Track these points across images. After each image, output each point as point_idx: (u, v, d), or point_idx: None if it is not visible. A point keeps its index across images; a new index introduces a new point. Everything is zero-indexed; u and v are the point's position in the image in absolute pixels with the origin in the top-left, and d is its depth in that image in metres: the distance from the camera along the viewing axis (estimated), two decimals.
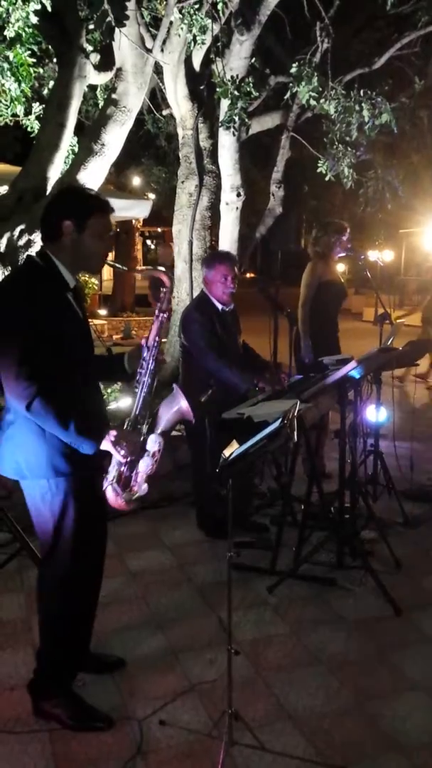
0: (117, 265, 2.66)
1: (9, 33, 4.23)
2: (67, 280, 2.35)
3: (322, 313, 4.83)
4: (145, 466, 2.44)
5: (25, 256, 2.53)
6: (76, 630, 2.54)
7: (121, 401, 5.57)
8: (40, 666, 2.51)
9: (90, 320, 2.65)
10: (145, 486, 2.46)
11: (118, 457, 2.32)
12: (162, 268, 2.67)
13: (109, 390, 5.74)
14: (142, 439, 2.44)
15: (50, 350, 2.22)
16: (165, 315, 2.54)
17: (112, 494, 2.42)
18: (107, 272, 18.04)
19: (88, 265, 2.46)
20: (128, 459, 2.36)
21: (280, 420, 2.37)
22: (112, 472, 2.40)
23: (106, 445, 2.26)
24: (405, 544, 3.99)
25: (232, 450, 2.34)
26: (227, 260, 3.95)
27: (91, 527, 2.48)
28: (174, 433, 4.79)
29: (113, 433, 2.27)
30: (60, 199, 2.41)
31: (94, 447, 2.25)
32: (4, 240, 4.60)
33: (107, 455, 2.37)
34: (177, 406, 2.56)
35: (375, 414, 4.76)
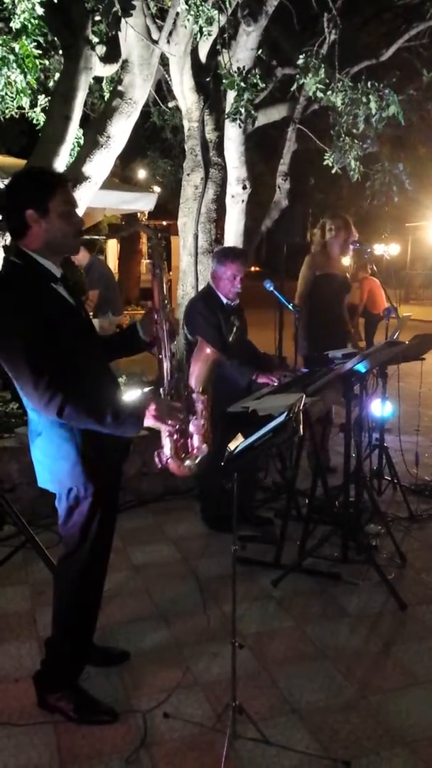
0: (94, 236, 2.50)
1: (15, 24, 4.21)
2: (52, 271, 2.27)
3: (323, 306, 4.79)
4: (195, 427, 2.36)
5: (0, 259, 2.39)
6: (88, 624, 2.55)
7: (127, 395, 5.57)
8: (50, 657, 2.51)
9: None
10: (204, 446, 2.38)
11: (166, 428, 2.26)
12: (144, 224, 2.57)
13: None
14: (183, 402, 2.35)
15: (57, 350, 2.15)
16: (159, 270, 2.41)
17: (174, 466, 2.35)
18: (112, 266, 18.02)
19: (65, 247, 2.33)
20: (177, 427, 2.29)
21: (285, 414, 2.36)
22: (167, 444, 2.33)
23: (149, 421, 2.20)
24: (410, 539, 3.99)
25: (238, 443, 2.33)
26: (240, 259, 3.91)
27: (109, 529, 2.52)
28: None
29: (153, 407, 2.20)
30: (14, 190, 2.26)
31: (137, 428, 2.20)
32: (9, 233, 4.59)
33: (129, 446, 2.36)
34: (203, 355, 2.45)
35: (380, 408, 4.75)
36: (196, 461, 2.38)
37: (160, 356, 2.37)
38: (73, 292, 2.37)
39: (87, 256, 7.47)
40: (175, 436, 2.33)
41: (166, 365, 2.36)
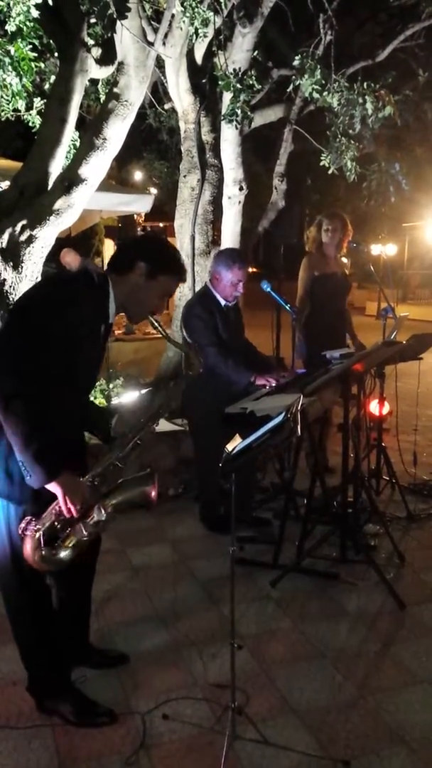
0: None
1: (10, 27, 4.22)
2: (110, 312, 2.33)
3: (322, 306, 4.79)
4: (80, 531, 2.19)
5: (83, 263, 2.41)
6: (52, 634, 2.45)
7: (123, 397, 5.57)
8: (27, 670, 2.50)
9: None
10: (67, 553, 2.19)
11: (60, 506, 2.13)
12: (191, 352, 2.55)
13: (110, 385, 5.74)
14: (93, 501, 2.21)
15: (57, 365, 2.13)
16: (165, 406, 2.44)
17: (30, 542, 2.15)
18: None
19: (134, 311, 2.42)
20: (70, 515, 2.15)
21: (283, 414, 2.36)
22: (46, 520, 2.16)
23: (56, 487, 2.10)
24: (408, 538, 4.00)
25: (235, 444, 2.34)
26: (246, 266, 3.98)
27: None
28: (177, 427, 4.81)
29: (68, 476, 2.11)
30: (147, 242, 2.48)
31: (41, 481, 2.08)
32: (6, 235, 4.58)
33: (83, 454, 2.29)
34: (144, 488, 2.33)
35: (378, 408, 4.75)
36: (53, 557, 2.17)
37: (112, 452, 2.31)
38: (107, 335, 2.40)
39: (77, 260, 7.42)
40: (57, 522, 2.17)
41: (111, 460, 2.29)
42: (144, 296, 2.35)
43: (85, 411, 2.46)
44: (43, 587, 2.42)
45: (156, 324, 2.46)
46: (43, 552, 2.15)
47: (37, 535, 2.14)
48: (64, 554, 2.19)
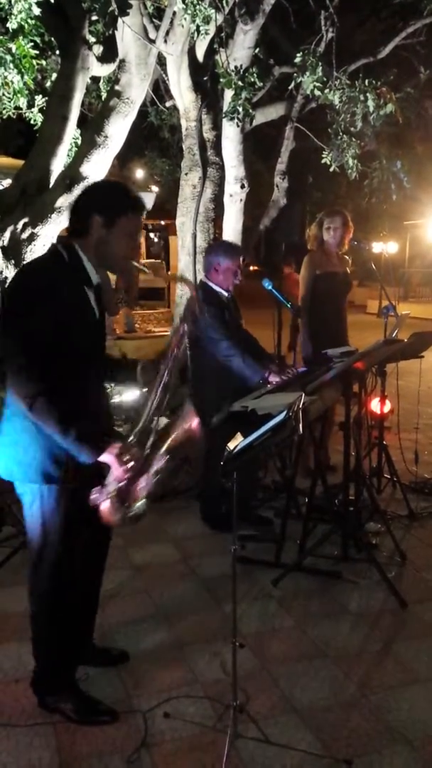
0: (143, 267, 2.53)
1: (12, 25, 4.21)
2: (91, 276, 2.28)
3: (323, 305, 4.78)
4: (145, 483, 2.27)
5: (50, 244, 2.41)
6: (67, 628, 2.48)
7: (125, 395, 5.56)
8: (38, 663, 2.50)
9: None
10: (141, 504, 2.28)
11: (118, 471, 2.19)
12: (188, 277, 2.52)
13: (112, 384, 5.73)
14: (146, 454, 2.27)
15: (60, 346, 2.14)
16: (186, 327, 2.40)
17: (107, 509, 2.25)
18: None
19: (111, 264, 2.36)
20: (129, 474, 2.21)
21: (284, 413, 2.35)
22: (111, 485, 2.24)
23: (107, 457, 2.16)
24: (410, 537, 3.99)
25: (237, 443, 2.33)
26: (242, 255, 4.03)
27: (83, 522, 2.40)
28: None
29: (117, 445, 2.17)
30: (92, 193, 2.31)
31: (92, 457, 2.16)
32: (8, 233, 4.59)
33: (104, 465, 2.25)
34: (187, 424, 2.37)
35: (380, 406, 4.75)
36: (130, 514, 2.27)
37: (148, 402, 2.32)
38: (100, 299, 2.35)
39: None
40: (122, 483, 2.23)
41: (149, 414, 2.30)
42: (113, 247, 2.25)
43: (101, 380, 2.46)
44: (72, 577, 2.45)
45: (142, 267, 2.47)
46: (122, 513, 2.25)
47: (110, 500, 2.23)
48: (140, 506, 2.29)
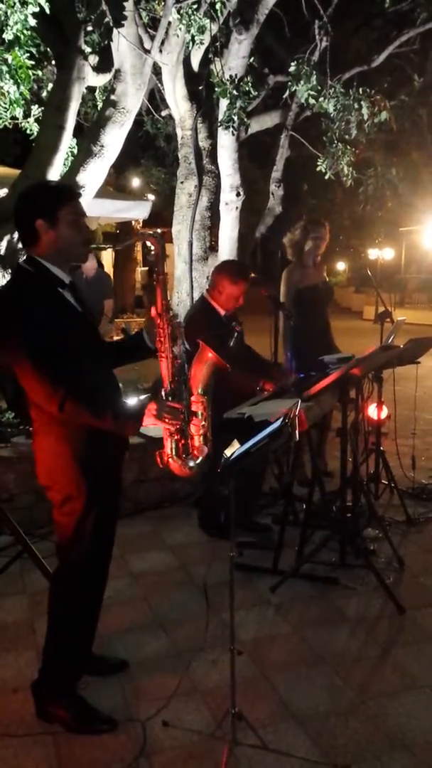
0: (102, 245, 2.66)
1: (8, 36, 4.23)
2: (61, 277, 2.35)
3: (307, 317, 4.77)
4: (195, 428, 2.42)
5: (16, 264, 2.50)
6: (84, 633, 2.55)
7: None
8: (46, 668, 2.50)
9: None
10: (204, 447, 2.44)
11: (167, 427, 2.33)
12: (150, 231, 2.59)
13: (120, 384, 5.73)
14: (184, 403, 2.41)
15: (61, 347, 2.22)
16: (162, 275, 2.47)
17: (176, 466, 2.41)
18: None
19: (73, 255, 2.42)
20: (177, 427, 2.36)
21: (281, 419, 2.37)
22: (168, 444, 2.39)
23: (149, 420, 2.27)
24: (407, 543, 4.00)
25: (234, 449, 2.34)
26: (248, 281, 3.99)
27: (106, 533, 2.52)
28: None
29: (153, 406, 2.28)
30: (25, 202, 2.36)
31: (137, 427, 2.27)
32: (4, 242, 4.60)
33: (126, 447, 2.42)
34: (204, 357, 2.52)
35: (376, 412, 4.76)
36: (198, 462, 2.43)
37: (162, 358, 2.42)
38: (79, 298, 2.43)
39: (94, 266, 7.35)
40: (176, 437, 2.39)
41: (167, 367, 2.42)
42: (66, 242, 2.31)
43: (111, 365, 2.53)
44: (99, 583, 2.55)
45: (101, 246, 2.62)
46: (189, 463, 2.42)
47: (171, 459, 2.39)
48: (204, 450, 2.44)
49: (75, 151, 5.46)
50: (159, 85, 6.19)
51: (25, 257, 2.39)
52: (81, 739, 2.39)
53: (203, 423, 2.44)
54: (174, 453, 2.42)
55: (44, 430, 2.35)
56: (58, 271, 2.34)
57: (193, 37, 5.15)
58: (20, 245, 4.51)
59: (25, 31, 4.23)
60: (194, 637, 3.02)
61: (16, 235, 4.55)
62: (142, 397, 5.18)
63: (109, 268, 16.16)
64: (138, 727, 2.44)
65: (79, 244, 2.37)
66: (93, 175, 4.85)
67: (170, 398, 2.40)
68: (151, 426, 2.32)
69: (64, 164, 5.06)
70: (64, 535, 2.41)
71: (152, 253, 2.56)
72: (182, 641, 3.00)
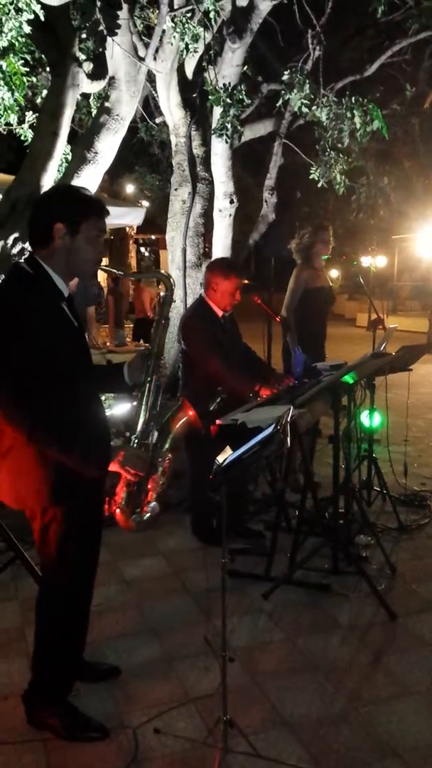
0: (113, 270, 2.59)
1: (2, 42, 4.24)
2: (61, 288, 2.22)
3: (312, 320, 4.83)
4: (154, 483, 2.33)
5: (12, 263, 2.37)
6: (73, 644, 2.53)
7: (115, 408, 5.56)
8: (36, 677, 2.48)
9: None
10: (155, 505, 2.36)
11: (128, 477, 2.23)
12: (163, 272, 2.57)
13: (102, 398, 5.73)
14: (150, 455, 2.32)
15: (47, 367, 2.10)
16: (166, 321, 2.42)
17: (121, 517, 2.33)
18: (101, 279, 18.05)
19: (82, 271, 2.29)
20: (138, 479, 2.26)
21: (273, 426, 2.37)
22: (121, 493, 2.30)
23: (113, 467, 2.18)
24: (400, 550, 4.00)
25: (226, 456, 2.34)
26: (241, 274, 3.98)
27: (91, 548, 2.48)
28: None
29: (121, 453, 2.19)
30: (51, 201, 2.26)
31: (100, 471, 2.18)
32: None
33: (110, 477, 2.29)
34: (184, 417, 2.47)
35: (369, 419, 4.77)
36: (145, 518, 2.35)
37: (141, 405, 2.35)
38: (74, 310, 2.32)
39: (76, 282, 7.37)
40: (132, 488, 2.30)
41: (143, 414, 2.34)
42: (80, 255, 2.20)
43: (96, 393, 2.42)
44: (85, 596, 2.51)
45: (112, 270, 2.53)
46: (134, 518, 2.35)
47: (121, 507, 2.32)
48: (152, 507, 2.37)
49: (69, 157, 5.47)
50: (153, 92, 6.23)
51: (26, 257, 2.24)
52: (72, 746, 2.38)
53: (162, 481, 2.35)
54: (124, 503, 2.32)
55: (18, 449, 2.18)
56: (59, 281, 2.21)
57: (187, 45, 5.18)
58: (14, 250, 4.54)
59: (19, 38, 4.24)
60: (186, 644, 3.01)
61: (10, 241, 4.55)
62: (133, 404, 5.18)
63: (103, 276, 16.18)
64: (129, 734, 2.43)
65: (91, 261, 2.26)
66: (87, 182, 4.85)
67: (140, 447, 2.31)
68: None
69: (59, 170, 5.07)
70: (48, 557, 2.34)
71: (160, 297, 2.49)
72: (174, 648, 3.00)
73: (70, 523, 2.28)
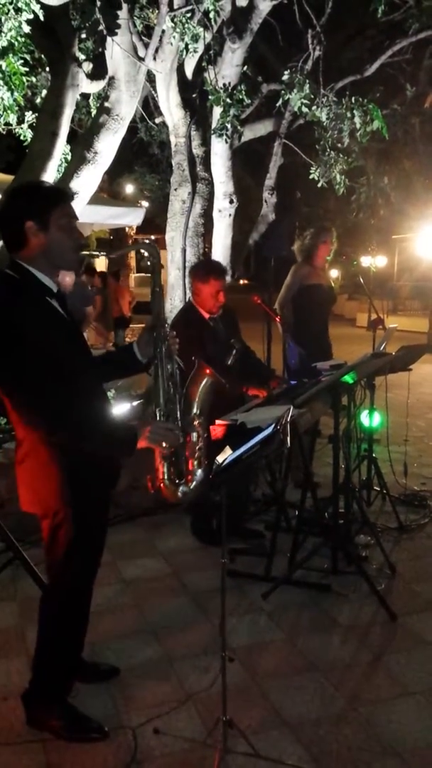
0: (93, 252, 2.52)
1: (2, 42, 4.24)
2: (48, 285, 2.22)
3: (310, 318, 4.82)
4: (191, 451, 2.31)
5: None
6: (74, 644, 2.53)
7: (115, 408, 5.56)
8: (37, 678, 2.48)
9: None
10: (199, 472, 2.33)
11: (160, 451, 2.24)
12: (147, 241, 2.55)
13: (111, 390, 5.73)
14: (179, 424, 2.29)
15: (51, 366, 2.11)
16: (159, 288, 2.37)
17: (167, 491, 2.31)
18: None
19: (64, 261, 2.26)
20: (172, 450, 2.25)
21: (273, 426, 2.37)
22: (161, 468, 2.28)
23: (143, 443, 2.17)
24: (399, 549, 4.00)
25: (225, 456, 2.34)
26: (221, 275, 3.90)
27: (96, 550, 2.49)
28: None
29: (147, 429, 2.17)
30: (14, 201, 2.21)
31: (131, 452, 2.18)
32: None
33: (119, 468, 2.32)
34: (204, 377, 2.42)
35: (369, 419, 4.77)
36: (191, 487, 2.33)
37: (158, 376, 2.32)
38: (65, 305, 2.31)
39: (71, 283, 7.27)
40: (171, 460, 2.28)
41: (162, 384, 2.31)
42: (57, 247, 2.18)
43: (100, 379, 2.43)
44: (87, 597, 2.51)
45: (94, 253, 2.47)
46: (182, 489, 2.31)
47: (163, 484, 2.28)
48: (198, 475, 2.33)
49: (68, 157, 5.47)
50: (153, 92, 6.22)
51: (7, 263, 2.22)
52: (72, 746, 2.38)
53: (199, 446, 2.31)
54: (166, 478, 2.29)
55: (34, 451, 2.22)
56: (45, 278, 2.21)
57: (186, 45, 5.18)
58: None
59: (19, 38, 4.24)
60: (186, 644, 3.01)
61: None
62: (134, 404, 5.17)
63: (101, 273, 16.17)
64: (129, 734, 2.43)
65: (70, 249, 2.23)
66: (86, 182, 4.85)
67: (164, 418, 2.28)
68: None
69: (58, 171, 5.07)
70: (55, 558, 2.35)
71: (149, 263, 2.44)
72: (174, 648, 2.99)
73: (79, 525, 2.30)
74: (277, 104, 6.11)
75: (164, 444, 2.21)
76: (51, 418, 2.11)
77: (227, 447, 2.39)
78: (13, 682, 2.72)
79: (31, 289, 2.18)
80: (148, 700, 2.63)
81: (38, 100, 5.92)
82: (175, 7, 5.14)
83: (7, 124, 5.21)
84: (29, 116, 5.60)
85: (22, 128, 5.60)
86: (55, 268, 2.27)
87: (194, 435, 2.33)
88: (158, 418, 2.28)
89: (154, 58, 5.22)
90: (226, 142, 5.57)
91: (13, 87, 4.48)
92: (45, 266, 2.21)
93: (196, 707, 2.59)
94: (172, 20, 5.01)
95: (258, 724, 2.49)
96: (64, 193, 2.30)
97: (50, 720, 2.43)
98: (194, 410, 2.37)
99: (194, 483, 2.33)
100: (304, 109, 5.58)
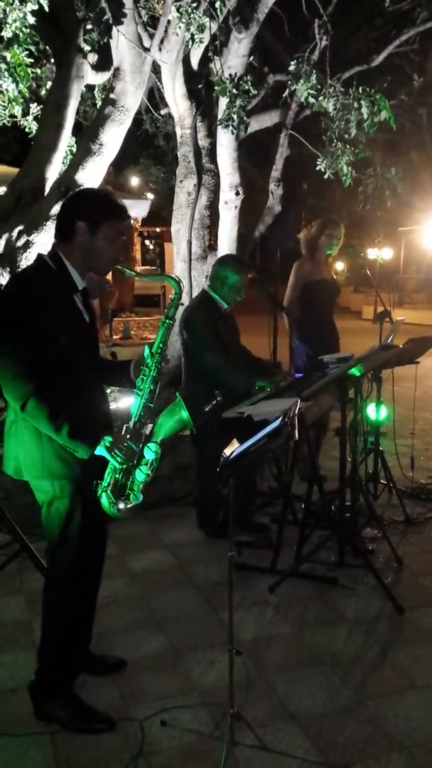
0: (126, 270, 2.67)
1: (6, 33, 4.22)
2: (76, 281, 2.38)
3: (315, 313, 4.80)
4: (140, 474, 2.37)
5: (36, 254, 2.52)
6: (76, 631, 2.54)
7: (120, 402, 5.56)
8: (42, 668, 2.50)
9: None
10: (138, 495, 2.38)
11: (113, 463, 2.29)
12: (173, 275, 2.58)
13: (108, 390, 5.73)
14: (140, 446, 2.36)
15: (52, 351, 2.22)
16: (171, 322, 2.46)
17: (105, 501, 2.35)
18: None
19: (97, 267, 2.46)
20: (124, 466, 2.32)
21: (280, 418, 2.36)
22: (107, 478, 2.35)
23: (101, 450, 2.25)
24: (406, 543, 3.99)
25: (233, 449, 2.33)
26: (249, 270, 4.03)
27: (95, 529, 2.50)
28: None
29: (108, 438, 2.26)
30: (77, 200, 2.44)
31: (88, 452, 2.24)
32: (3, 241, 4.59)
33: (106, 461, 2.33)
34: (177, 416, 2.49)
35: (375, 412, 4.75)
36: (127, 507, 2.35)
37: (138, 395, 2.39)
38: (87, 303, 2.45)
39: None
40: (118, 476, 2.34)
41: (140, 407, 2.39)
42: (98, 251, 2.37)
43: (98, 383, 2.53)
44: (89, 583, 2.55)
45: (127, 271, 2.72)
46: (119, 505, 2.35)
47: (107, 493, 2.33)
48: (134, 498, 2.37)
49: (74, 149, 5.45)
50: (158, 83, 6.19)
51: (50, 250, 2.41)
52: (79, 738, 2.39)
53: (149, 473, 2.37)
54: (110, 489, 2.34)
55: (21, 421, 2.31)
56: (75, 274, 2.38)
57: (192, 35, 5.14)
58: (19, 243, 4.53)
59: (24, 29, 4.22)
60: (193, 637, 3.02)
61: (15, 233, 4.54)
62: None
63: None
64: (136, 726, 2.44)
65: (108, 259, 2.41)
66: (92, 174, 4.84)
67: (129, 437, 2.34)
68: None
69: (63, 163, 5.06)
70: (52, 537, 2.41)
71: (171, 299, 2.53)
72: (180, 641, 3.00)
73: (75, 502, 2.35)
74: (284, 95, 6.06)
75: (118, 458, 2.27)
76: (29, 393, 2.17)
77: (234, 440, 2.38)
78: (20, 675, 2.73)
79: (59, 280, 2.34)
80: (155, 693, 2.63)
81: (43, 92, 5.90)
82: None
83: (12, 116, 5.21)
84: (34, 108, 5.59)
85: (27, 120, 5.59)
86: (87, 268, 2.43)
87: (150, 461, 2.38)
88: (123, 433, 2.35)
89: (160, 49, 5.19)
90: (232, 133, 5.53)
91: (18, 78, 4.47)
92: (79, 263, 2.38)
93: (202, 700, 2.59)
94: (178, 10, 4.97)
95: (265, 716, 2.49)
96: (125, 213, 2.45)
97: (57, 711, 2.45)
98: (158, 437, 2.42)
99: (130, 504, 2.36)
100: (311, 100, 5.53)
